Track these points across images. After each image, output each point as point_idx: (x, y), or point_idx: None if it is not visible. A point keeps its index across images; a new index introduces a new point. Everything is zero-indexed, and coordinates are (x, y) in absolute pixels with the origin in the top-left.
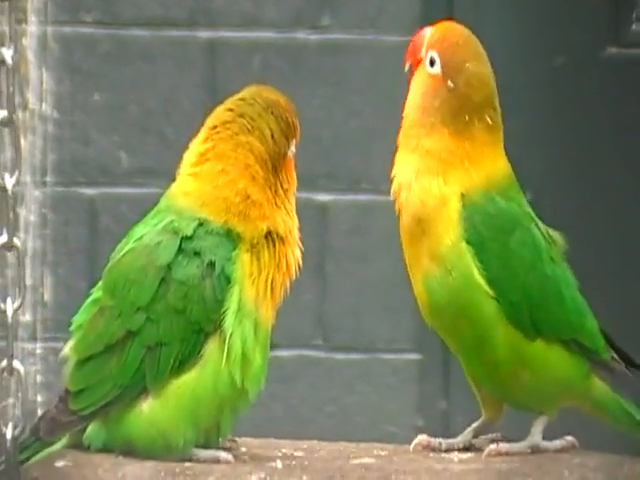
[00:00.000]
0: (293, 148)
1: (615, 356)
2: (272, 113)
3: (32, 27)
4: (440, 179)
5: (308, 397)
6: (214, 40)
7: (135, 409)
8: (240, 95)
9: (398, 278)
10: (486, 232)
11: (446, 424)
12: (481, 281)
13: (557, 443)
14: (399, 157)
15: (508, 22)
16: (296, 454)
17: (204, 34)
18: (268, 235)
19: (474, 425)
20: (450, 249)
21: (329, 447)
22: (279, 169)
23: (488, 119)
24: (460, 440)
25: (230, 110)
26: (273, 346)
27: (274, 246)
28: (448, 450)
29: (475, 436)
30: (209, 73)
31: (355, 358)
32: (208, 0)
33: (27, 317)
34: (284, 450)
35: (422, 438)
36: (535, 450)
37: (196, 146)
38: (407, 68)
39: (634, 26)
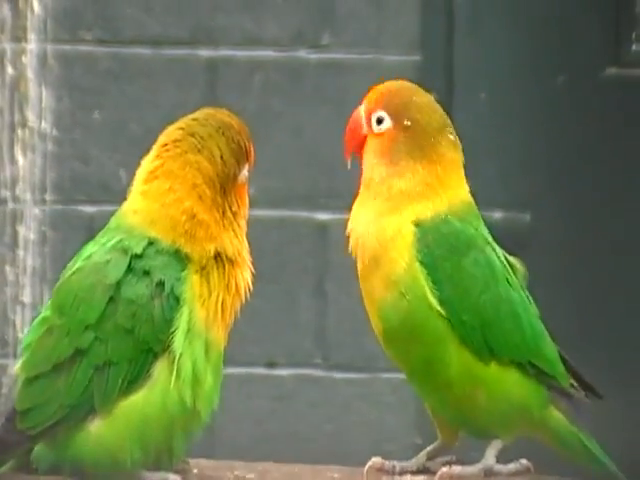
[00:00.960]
0: (246, 172)
1: (574, 384)
2: (223, 134)
3: (32, 45)
4: (398, 214)
5: (307, 416)
6: (214, 58)
7: (83, 429)
8: (193, 115)
9: None
10: (438, 251)
11: None
12: (433, 301)
13: (511, 467)
14: (355, 215)
15: (508, 42)
16: (248, 476)
17: (204, 52)
18: (217, 257)
19: (428, 448)
20: (404, 271)
21: (283, 469)
22: (228, 191)
23: (450, 136)
24: (414, 463)
25: (181, 129)
26: (272, 364)
27: (223, 268)
28: (402, 473)
29: (429, 459)
30: (209, 91)
31: (354, 377)
32: (209, 19)
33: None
34: (236, 472)
35: (376, 460)
36: (488, 474)
37: (146, 164)
38: (350, 159)
39: (634, 46)
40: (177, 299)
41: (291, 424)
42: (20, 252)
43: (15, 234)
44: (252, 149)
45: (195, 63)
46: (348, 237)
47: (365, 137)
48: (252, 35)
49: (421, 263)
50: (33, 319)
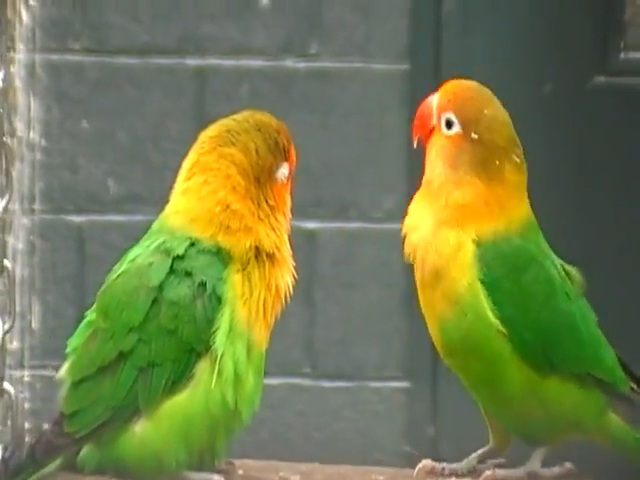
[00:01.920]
0: (285, 171)
1: (635, 387)
2: (259, 130)
3: (20, 55)
4: (458, 228)
5: (296, 424)
6: (202, 67)
7: (128, 431)
8: (233, 116)
9: (387, 306)
10: (499, 270)
11: (434, 451)
12: (494, 320)
13: (555, 470)
14: (413, 216)
15: (496, 50)
16: (293, 477)
17: (192, 61)
18: (257, 256)
19: (480, 451)
20: (466, 290)
21: (328, 470)
22: (263, 183)
23: (516, 158)
24: (464, 465)
25: (218, 126)
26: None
27: (264, 267)
28: (451, 475)
29: (480, 462)
30: (197, 100)
31: (343, 386)
32: (196, 27)
33: (15, 344)
34: (281, 473)
35: (426, 462)
36: (532, 477)
37: (185, 163)
38: (416, 143)
39: (622, 55)
40: (219, 299)
41: (280, 432)
42: (9, 262)
43: (4, 244)
44: (292, 150)
45: (183, 72)
46: (403, 238)
47: (432, 129)
48: (240, 44)
49: (482, 282)
50: (23, 329)
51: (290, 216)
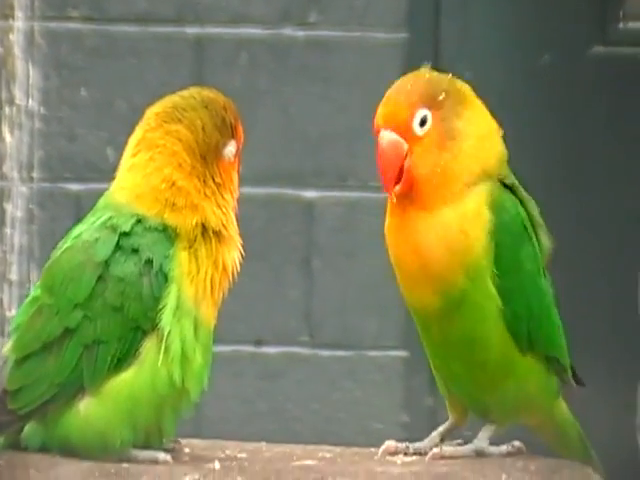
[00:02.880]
0: (232, 149)
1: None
2: (206, 107)
3: (19, 23)
4: (474, 190)
5: (294, 394)
6: (201, 36)
7: (72, 408)
8: (180, 92)
9: (385, 276)
10: (505, 239)
11: (433, 420)
12: (493, 290)
13: (503, 448)
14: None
15: (495, 20)
16: (239, 455)
17: (191, 30)
18: (204, 233)
19: (440, 429)
20: (480, 257)
21: (275, 449)
22: (209, 161)
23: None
24: (427, 444)
25: (164, 103)
26: (260, 342)
27: (211, 244)
28: (416, 454)
29: (442, 439)
30: (196, 69)
31: (341, 355)
32: None
33: (13, 312)
34: (228, 452)
35: (389, 444)
36: (480, 454)
37: (131, 140)
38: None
39: (621, 24)
40: (165, 277)
41: (278, 402)
42: (7, 230)
43: (2, 212)
44: (240, 128)
45: (182, 41)
46: (401, 249)
47: (405, 157)
48: (239, 13)
49: (492, 249)
50: (21, 297)
51: (238, 194)
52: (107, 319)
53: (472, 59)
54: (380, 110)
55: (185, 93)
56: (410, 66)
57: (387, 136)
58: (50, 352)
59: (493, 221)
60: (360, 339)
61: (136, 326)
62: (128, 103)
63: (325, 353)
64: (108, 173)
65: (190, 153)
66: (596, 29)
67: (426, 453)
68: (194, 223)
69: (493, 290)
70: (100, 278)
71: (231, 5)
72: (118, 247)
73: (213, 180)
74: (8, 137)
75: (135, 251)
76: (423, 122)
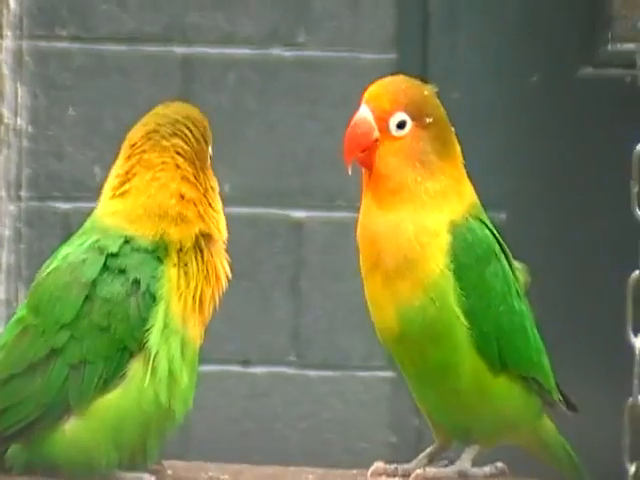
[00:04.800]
0: (211, 154)
1: (560, 397)
2: (187, 117)
3: (7, 42)
4: (433, 216)
5: (281, 413)
6: (189, 56)
7: (58, 429)
8: (147, 116)
9: None
10: (467, 259)
11: (420, 441)
12: (457, 310)
13: (486, 470)
14: (375, 219)
15: (483, 41)
16: (222, 477)
17: (179, 50)
18: (196, 246)
19: (428, 450)
20: (438, 277)
21: (258, 471)
22: (203, 168)
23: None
24: (414, 465)
25: (145, 125)
26: (247, 362)
27: (202, 258)
28: (404, 475)
29: (430, 461)
30: (184, 89)
31: (329, 375)
32: (183, 16)
33: (0, 331)
34: (210, 473)
35: (378, 465)
36: (463, 476)
37: (117, 169)
38: (350, 166)
39: (609, 46)
40: (153, 297)
41: (265, 422)
42: None
43: None
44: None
45: (170, 60)
46: (361, 239)
47: (375, 141)
48: (227, 33)
49: (453, 271)
50: (9, 317)
51: None
52: (94, 339)
53: (460, 80)
54: (372, 88)
55: (158, 112)
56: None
57: (364, 112)
58: (36, 372)
59: (452, 243)
60: (348, 359)
61: (123, 346)
62: (116, 122)
63: (313, 373)
64: (96, 192)
65: (190, 164)
66: (585, 50)
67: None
68: (197, 232)
69: (458, 311)
70: (87, 298)
71: (219, 25)
72: (105, 268)
73: (211, 188)
74: None
75: (122, 272)
76: (401, 125)
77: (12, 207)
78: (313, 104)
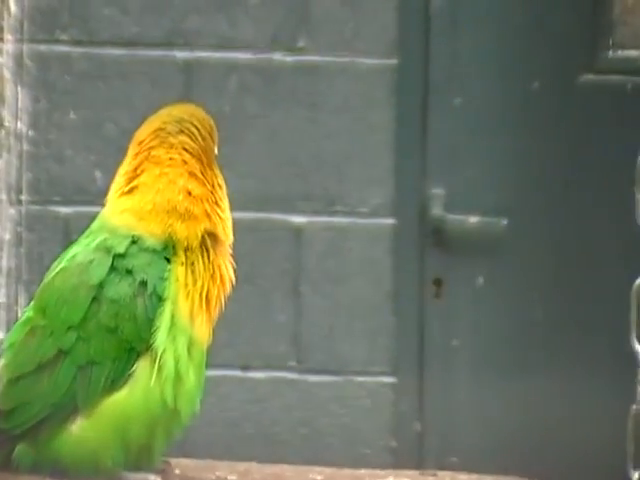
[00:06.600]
0: (216, 152)
1: None
2: (193, 115)
3: (8, 45)
4: None
5: (282, 418)
6: (190, 61)
7: (65, 429)
8: (152, 116)
9: (373, 301)
10: None
11: (420, 446)
12: None
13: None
14: None
15: (484, 47)
16: (229, 477)
17: (181, 54)
18: (203, 245)
19: None
20: None
21: (266, 470)
22: (210, 166)
23: None
24: None
25: (152, 123)
26: (247, 367)
27: (208, 257)
28: None
29: None
30: (185, 93)
31: (329, 380)
32: (184, 20)
33: (1, 335)
34: (218, 473)
35: None
36: None
37: (125, 167)
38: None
39: (610, 52)
40: (160, 298)
41: (266, 427)
42: None
43: None
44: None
45: (171, 65)
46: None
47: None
48: (228, 37)
49: None
50: (9, 321)
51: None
52: (101, 340)
53: (462, 85)
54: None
55: (163, 112)
56: (400, 91)
57: None
58: (44, 373)
59: None
60: (348, 364)
61: (130, 347)
62: (117, 126)
63: (313, 378)
64: (96, 196)
65: (197, 161)
66: (586, 57)
67: None
68: (203, 230)
69: None
70: (94, 300)
71: (220, 30)
72: (112, 269)
73: (218, 185)
74: None
75: (129, 272)
76: None
77: (12, 211)
78: (314, 109)
